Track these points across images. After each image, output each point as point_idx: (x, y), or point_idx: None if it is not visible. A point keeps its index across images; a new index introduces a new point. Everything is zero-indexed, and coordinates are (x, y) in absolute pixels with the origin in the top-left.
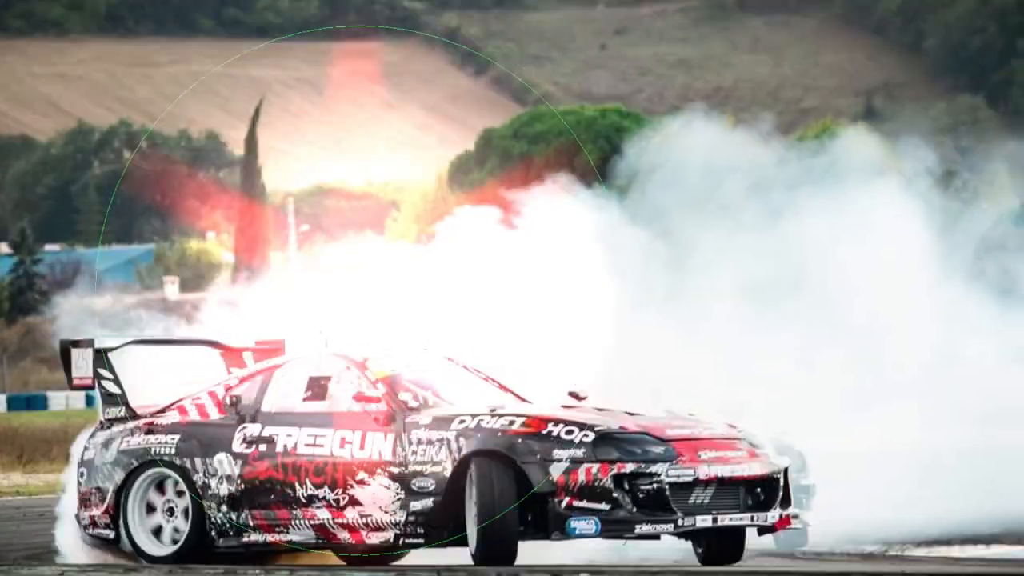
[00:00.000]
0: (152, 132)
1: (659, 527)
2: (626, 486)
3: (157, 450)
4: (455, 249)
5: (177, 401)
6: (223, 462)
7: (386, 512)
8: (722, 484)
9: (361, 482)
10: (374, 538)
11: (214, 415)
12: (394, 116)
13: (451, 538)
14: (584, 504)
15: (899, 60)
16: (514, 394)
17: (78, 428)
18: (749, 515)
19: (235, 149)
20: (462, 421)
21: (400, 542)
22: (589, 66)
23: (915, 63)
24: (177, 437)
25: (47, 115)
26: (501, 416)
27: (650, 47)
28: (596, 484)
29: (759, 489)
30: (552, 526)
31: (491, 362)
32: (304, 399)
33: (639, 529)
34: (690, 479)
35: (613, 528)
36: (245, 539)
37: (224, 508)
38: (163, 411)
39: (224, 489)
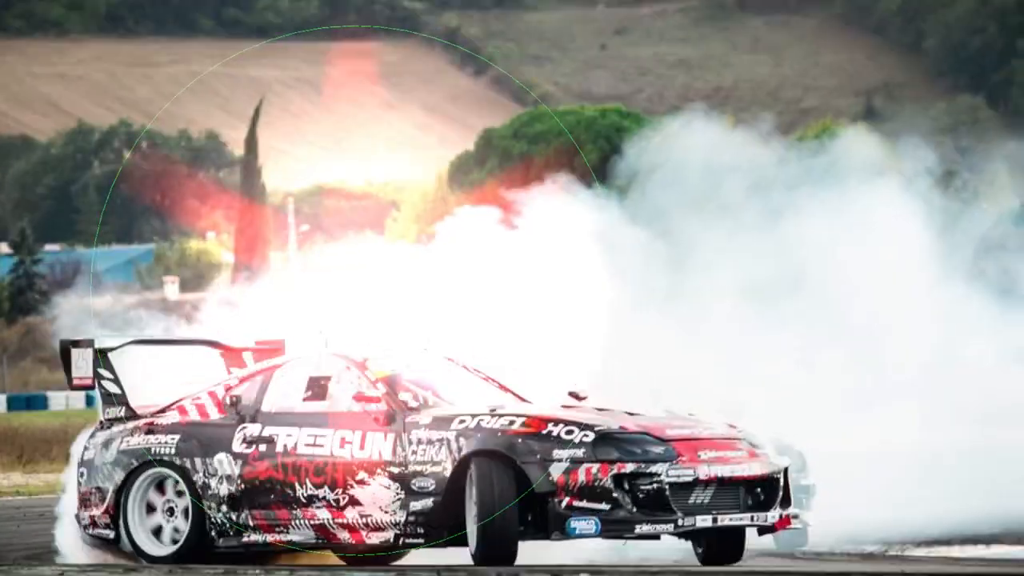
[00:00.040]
0: (148, 131)
1: (659, 527)
2: (626, 486)
3: (157, 450)
4: (455, 249)
5: (177, 401)
6: (223, 462)
7: (386, 512)
8: (722, 484)
9: (361, 482)
10: (374, 538)
11: (214, 415)
12: (394, 116)
13: (451, 536)
14: (584, 504)
15: (899, 60)
16: (514, 394)
17: (78, 428)
18: (749, 515)
19: (235, 149)
20: (462, 421)
21: (400, 542)
22: (589, 66)
23: (915, 63)
24: (177, 437)
25: (47, 115)
26: (501, 416)
27: (650, 47)
28: (596, 484)
29: (759, 489)
30: (552, 526)
31: (491, 362)
32: (304, 399)
33: (639, 529)
34: (690, 479)
35: (613, 528)
36: (245, 539)
37: (224, 508)
38: (163, 411)
39: (224, 489)
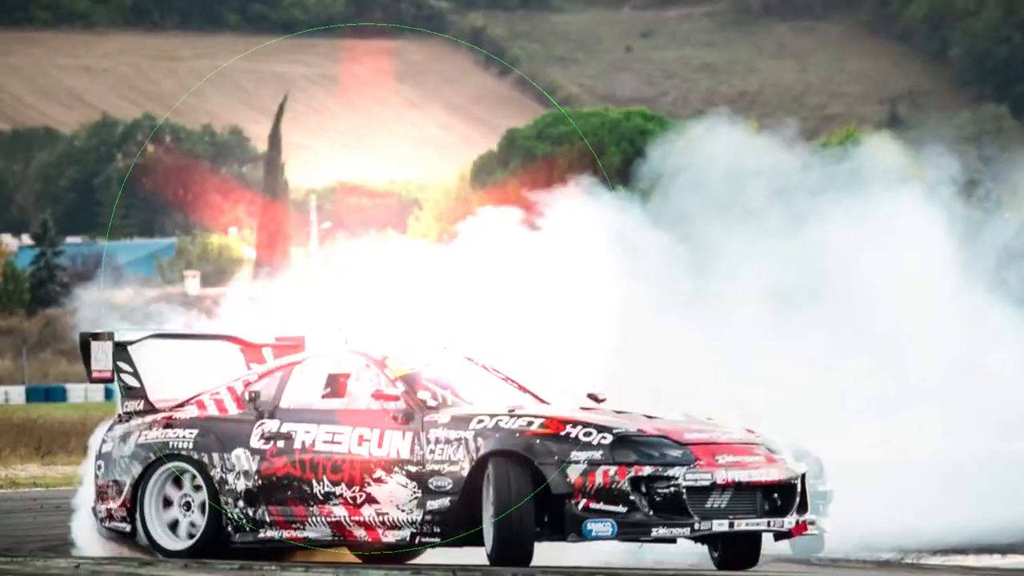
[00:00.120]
0: (165, 123)
1: (675, 531)
2: (643, 489)
3: (175, 444)
4: (477, 249)
5: (196, 396)
6: (241, 457)
7: (403, 510)
8: (739, 489)
9: (378, 480)
10: (390, 536)
11: (233, 410)
12: (417, 115)
13: (467, 532)
14: (601, 506)
15: (924, 68)
16: (533, 395)
17: (96, 421)
18: (766, 520)
19: (258, 144)
20: (480, 421)
21: (416, 541)
22: (614, 68)
23: (940, 72)
24: (195, 432)
25: (71, 107)
26: (519, 417)
27: (675, 50)
28: (613, 486)
29: (776, 494)
30: (568, 528)
31: (511, 362)
32: (323, 396)
33: (655, 532)
34: (707, 483)
35: (629, 531)
36: (261, 535)
37: (241, 503)
38: (181, 405)
39: (241, 485)
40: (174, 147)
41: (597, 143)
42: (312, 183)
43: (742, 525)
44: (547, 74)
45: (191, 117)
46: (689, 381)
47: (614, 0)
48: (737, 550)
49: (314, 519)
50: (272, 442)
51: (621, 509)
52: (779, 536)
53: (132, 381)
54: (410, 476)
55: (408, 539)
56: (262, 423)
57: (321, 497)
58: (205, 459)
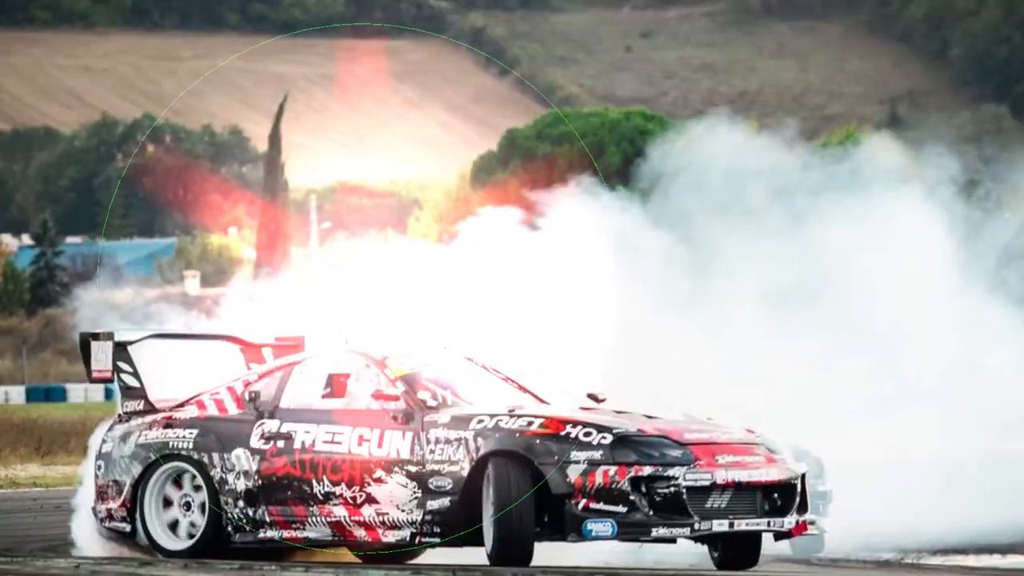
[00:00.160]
0: (165, 123)
1: (675, 531)
2: (643, 489)
3: (175, 444)
4: (477, 249)
5: (196, 396)
6: (241, 457)
7: (403, 510)
8: (739, 489)
9: (378, 480)
10: (390, 536)
11: (233, 410)
12: (417, 115)
13: (468, 532)
14: (601, 506)
15: (924, 68)
16: (533, 395)
17: (96, 421)
18: (766, 520)
19: (258, 144)
20: (480, 421)
21: (416, 541)
22: (614, 68)
23: (940, 72)
24: (195, 432)
25: (71, 107)
26: (519, 417)
27: (675, 50)
28: (613, 486)
29: (776, 494)
30: (568, 528)
31: (511, 362)
32: (323, 396)
33: (655, 532)
34: (707, 483)
35: (629, 531)
36: (261, 535)
37: (241, 503)
38: (181, 405)
39: (241, 484)
40: (174, 147)
41: (597, 143)
42: (312, 183)
43: (742, 525)
44: (547, 74)
45: (191, 117)
46: (689, 381)
47: (614, 0)
48: (737, 550)
49: (314, 519)
50: (272, 442)
51: (621, 509)
52: (779, 536)
53: (132, 381)
54: (410, 476)
55: (408, 539)
56: (262, 423)
57: (321, 497)
58: (205, 459)
